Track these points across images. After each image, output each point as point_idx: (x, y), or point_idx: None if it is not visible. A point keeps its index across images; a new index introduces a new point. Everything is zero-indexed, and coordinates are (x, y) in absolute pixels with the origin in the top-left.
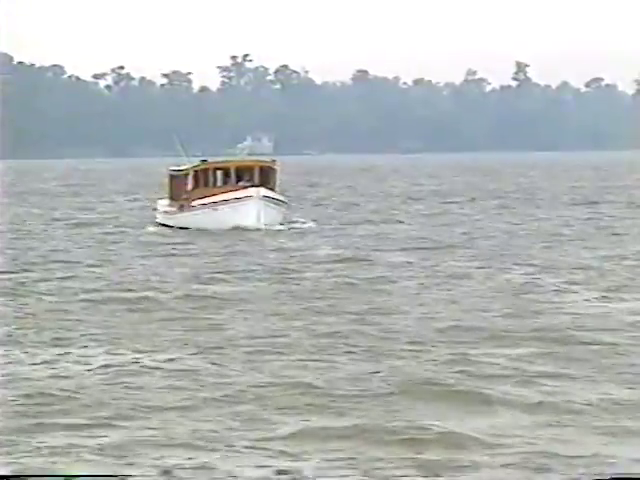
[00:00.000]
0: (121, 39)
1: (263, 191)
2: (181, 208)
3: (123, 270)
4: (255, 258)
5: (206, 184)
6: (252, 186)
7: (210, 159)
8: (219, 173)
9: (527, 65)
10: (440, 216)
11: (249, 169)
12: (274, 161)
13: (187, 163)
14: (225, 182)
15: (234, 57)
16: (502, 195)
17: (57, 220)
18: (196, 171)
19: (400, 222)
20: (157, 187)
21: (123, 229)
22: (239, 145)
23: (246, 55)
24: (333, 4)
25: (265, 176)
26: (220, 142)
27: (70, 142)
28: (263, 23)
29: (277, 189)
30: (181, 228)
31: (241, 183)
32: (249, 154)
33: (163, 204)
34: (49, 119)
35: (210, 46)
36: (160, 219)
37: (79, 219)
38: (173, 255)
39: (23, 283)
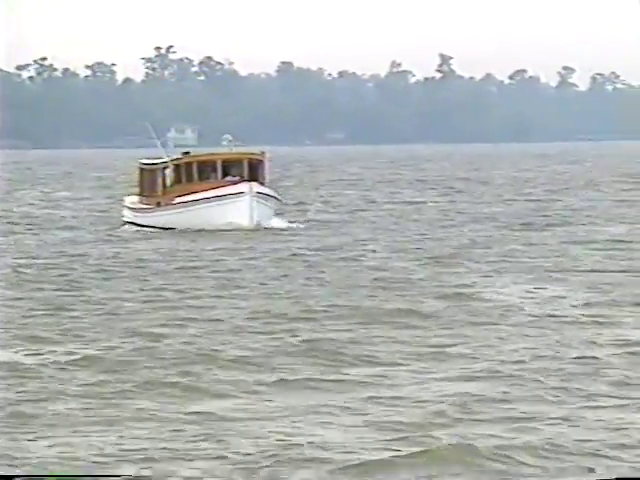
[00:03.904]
0: (44, 30)
1: (256, 187)
2: (158, 205)
3: None
4: None
5: (189, 179)
6: (242, 181)
7: (192, 151)
8: (203, 167)
9: (451, 57)
10: None
11: (237, 162)
12: (263, 153)
13: (165, 156)
14: (210, 177)
15: (158, 48)
16: None
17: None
18: (177, 165)
19: None
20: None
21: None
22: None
23: (170, 46)
24: None
25: (254, 170)
26: (144, 134)
27: None
28: (187, 14)
29: (267, 183)
30: (158, 227)
31: (229, 178)
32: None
33: (132, 201)
34: None
35: (134, 37)
36: (129, 217)
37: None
38: None
39: None
